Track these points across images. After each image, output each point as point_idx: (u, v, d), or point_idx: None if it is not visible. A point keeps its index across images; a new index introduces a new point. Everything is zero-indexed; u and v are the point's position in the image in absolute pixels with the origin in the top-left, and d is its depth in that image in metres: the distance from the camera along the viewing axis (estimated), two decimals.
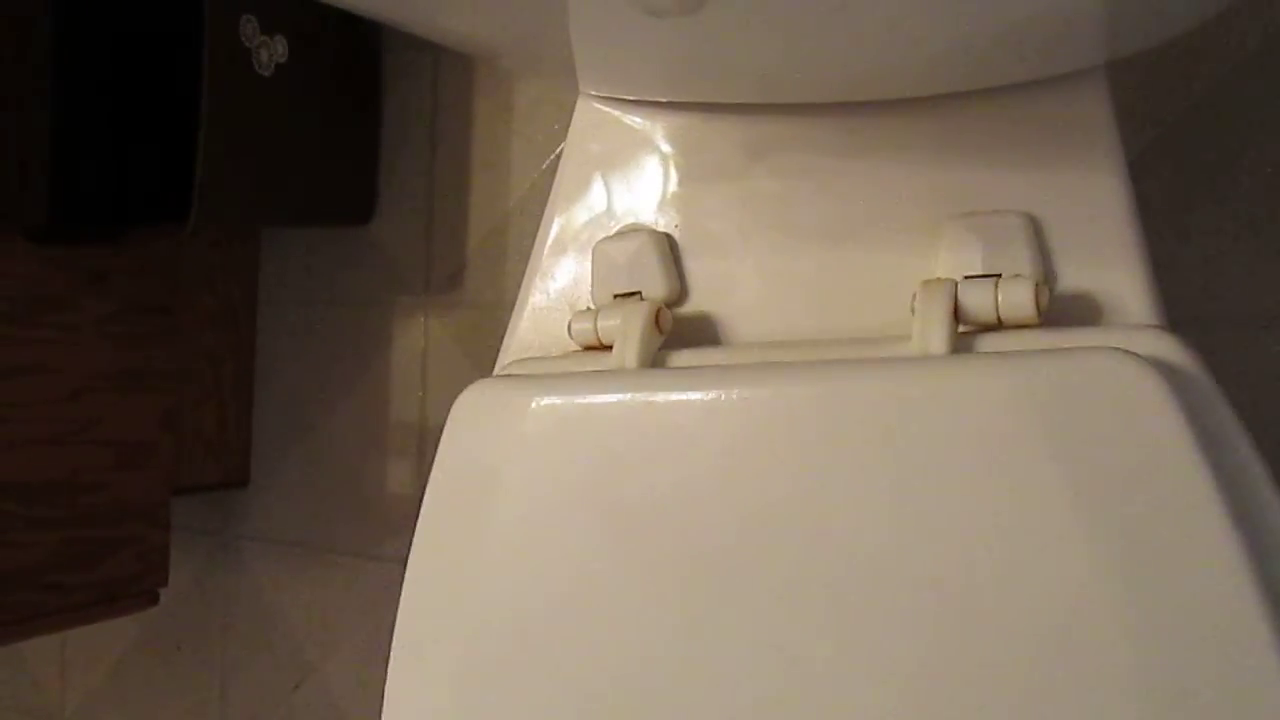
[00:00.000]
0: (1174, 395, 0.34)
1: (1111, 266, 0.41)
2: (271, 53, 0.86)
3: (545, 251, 0.52)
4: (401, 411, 1.01)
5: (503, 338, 0.54)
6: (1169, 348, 0.37)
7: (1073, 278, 0.42)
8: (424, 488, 0.47)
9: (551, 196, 0.52)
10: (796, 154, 0.47)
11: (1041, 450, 0.36)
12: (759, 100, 0.47)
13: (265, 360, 1.07)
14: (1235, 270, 0.72)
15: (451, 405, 0.46)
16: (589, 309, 0.49)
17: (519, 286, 0.54)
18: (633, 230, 0.50)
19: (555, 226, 0.52)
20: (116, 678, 1.16)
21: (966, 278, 0.41)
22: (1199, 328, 0.73)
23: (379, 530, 1.02)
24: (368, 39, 0.98)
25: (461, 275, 0.99)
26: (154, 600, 0.97)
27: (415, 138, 1.00)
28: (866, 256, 0.45)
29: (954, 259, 0.42)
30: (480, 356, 0.98)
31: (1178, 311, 0.74)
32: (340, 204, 0.99)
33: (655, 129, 0.50)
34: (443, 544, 0.45)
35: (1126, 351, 0.35)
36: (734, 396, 0.41)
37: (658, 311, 0.46)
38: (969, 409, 0.37)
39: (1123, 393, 0.35)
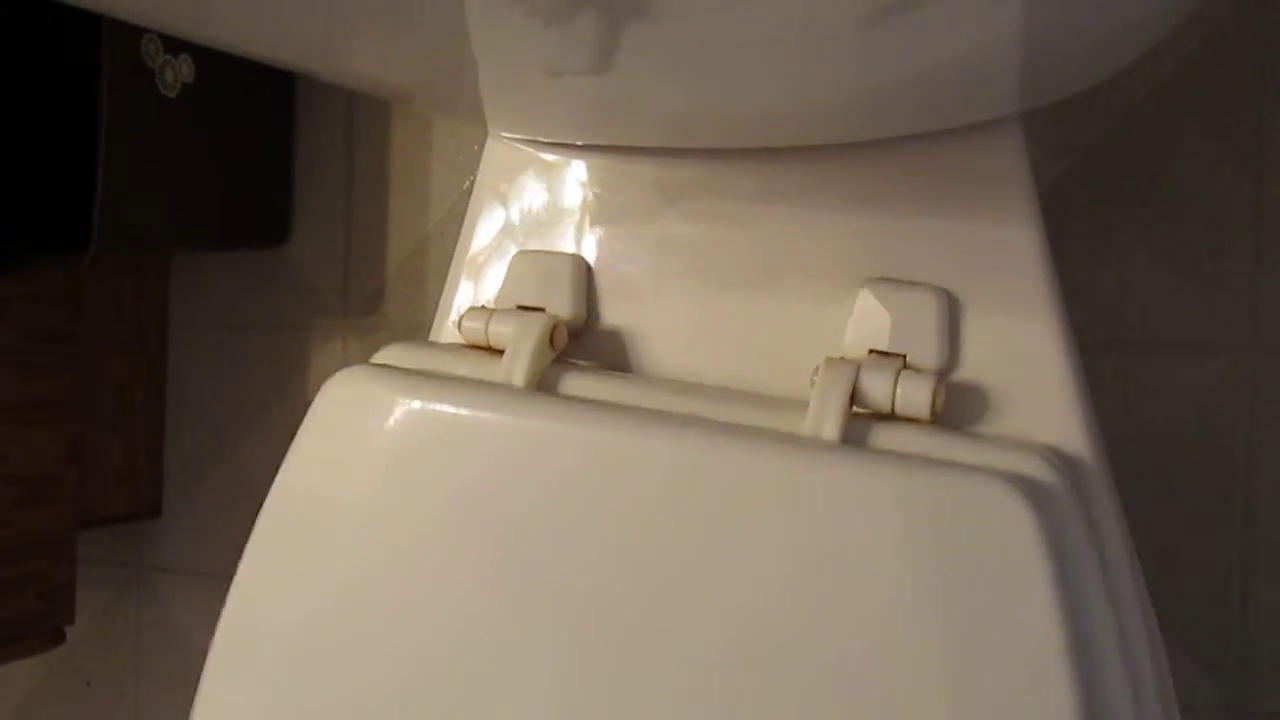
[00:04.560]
0: (1040, 533, 0.35)
1: (1020, 360, 0.41)
2: (176, 73, 0.83)
3: (454, 298, 0.50)
4: None
5: None
6: (1047, 474, 0.37)
7: (979, 364, 0.42)
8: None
9: (460, 239, 0.51)
10: (711, 199, 0.46)
11: (903, 560, 0.36)
12: (671, 144, 0.46)
13: (177, 386, 1.03)
14: (1149, 294, 0.73)
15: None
16: (485, 307, 0.47)
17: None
18: (559, 252, 0.49)
19: (463, 270, 0.50)
20: (23, 718, 1.11)
21: (872, 352, 0.41)
22: (1112, 351, 0.74)
23: None
24: None
25: (380, 298, 0.96)
26: (60, 639, 0.93)
27: (331, 157, 0.97)
28: (777, 306, 0.44)
29: (863, 328, 0.42)
30: None
31: (1093, 334, 0.75)
32: (253, 226, 0.96)
33: (567, 169, 0.49)
34: (286, 532, 0.44)
35: (1004, 478, 0.36)
36: (611, 440, 0.40)
37: (554, 327, 0.45)
38: (844, 505, 0.37)
39: (992, 522, 0.35)
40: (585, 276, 0.48)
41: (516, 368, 0.44)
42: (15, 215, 0.79)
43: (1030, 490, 0.35)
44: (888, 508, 0.36)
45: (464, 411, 0.42)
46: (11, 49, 0.78)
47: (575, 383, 0.44)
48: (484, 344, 0.46)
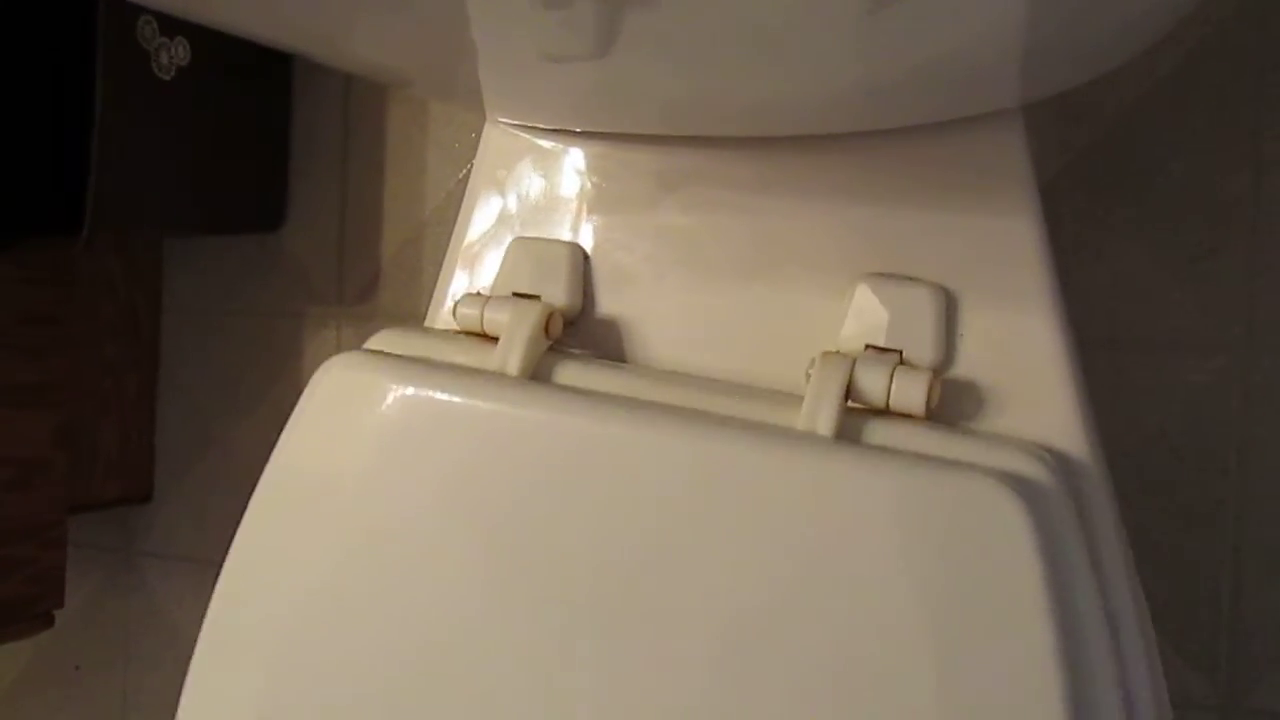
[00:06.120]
0: (1032, 532, 0.35)
1: (1018, 356, 0.41)
2: (172, 55, 0.82)
3: (449, 285, 0.50)
4: None
5: None
6: (1041, 472, 0.37)
7: (975, 360, 0.41)
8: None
9: (457, 225, 0.50)
10: (709, 188, 0.46)
11: (895, 557, 0.36)
12: (668, 132, 0.45)
13: (169, 371, 1.03)
14: (1144, 291, 0.73)
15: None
16: (480, 294, 0.47)
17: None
18: (557, 240, 0.49)
19: (459, 257, 0.50)
20: (11, 702, 1.11)
21: (868, 347, 0.41)
22: (1107, 349, 0.74)
23: None
24: None
25: (375, 286, 0.96)
26: (49, 623, 0.92)
27: (327, 143, 0.96)
28: (774, 297, 0.44)
29: (860, 323, 0.42)
30: None
31: (1088, 332, 0.75)
32: (248, 211, 0.96)
33: (565, 156, 0.49)
34: (278, 514, 0.44)
35: (997, 477, 0.36)
36: (604, 432, 0.40)
37: (550, 315, 0.45)
38: (838, 501, 0.37)
39: (984, 520, 0.35)
40: (582, 265, 0.48)
41: (511, 356, 0.44)
42: (7, 196, 0.79)
43: (1022, 488, 0.35)
44: (879, 504, 0.36)
45: (456, 399, 0.42)
46: (5, 29, 0.78)
47: (569, 372, 0.44)
48: (479, 330, 0.46)
